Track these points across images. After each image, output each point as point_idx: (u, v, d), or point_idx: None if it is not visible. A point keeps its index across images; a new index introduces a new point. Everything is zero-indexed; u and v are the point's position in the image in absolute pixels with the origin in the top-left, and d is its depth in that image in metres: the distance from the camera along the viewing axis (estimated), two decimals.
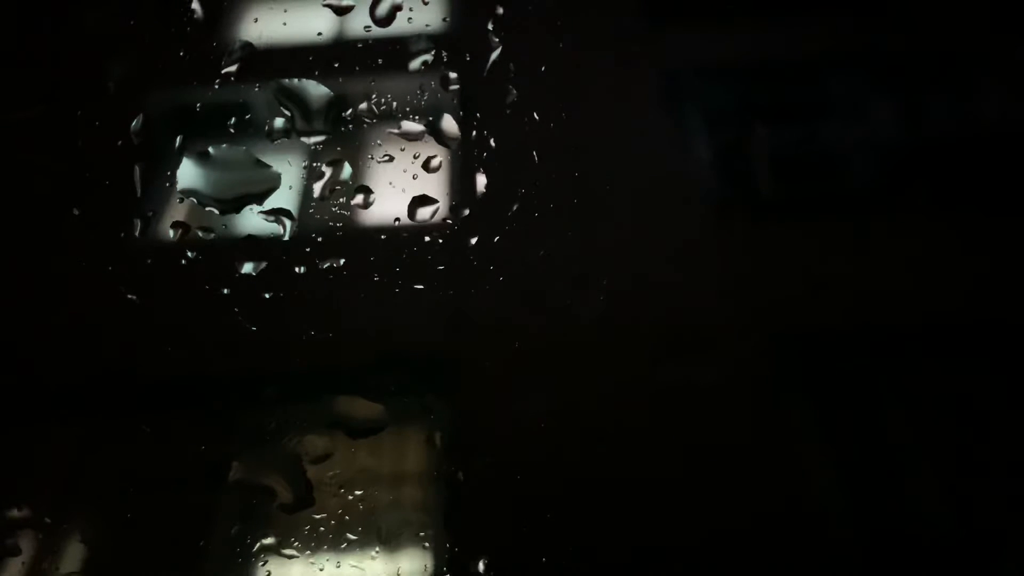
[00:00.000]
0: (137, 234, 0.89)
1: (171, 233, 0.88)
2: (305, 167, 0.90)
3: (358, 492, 0.86)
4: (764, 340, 0.92)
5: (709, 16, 1.03)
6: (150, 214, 0.90)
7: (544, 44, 0.94)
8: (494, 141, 0.91)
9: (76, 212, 0.89)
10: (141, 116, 0.90)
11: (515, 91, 0.91)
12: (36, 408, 0.91)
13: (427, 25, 0.93)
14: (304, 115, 0.91)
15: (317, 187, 0.90)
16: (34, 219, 0.92)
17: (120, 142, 0.90)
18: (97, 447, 0.90)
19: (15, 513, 0.88)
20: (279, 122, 0.91)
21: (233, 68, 0.91)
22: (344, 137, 0.91)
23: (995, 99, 1.00)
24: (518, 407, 0.88)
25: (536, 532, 0.85)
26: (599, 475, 0.86)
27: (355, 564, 0.85)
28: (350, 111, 0.91)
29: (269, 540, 0.85)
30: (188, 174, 0.89)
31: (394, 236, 0.89)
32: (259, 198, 0.89)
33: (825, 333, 0.94)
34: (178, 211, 0.89)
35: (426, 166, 0.90)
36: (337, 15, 0.93)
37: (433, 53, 0.92)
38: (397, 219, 0.89)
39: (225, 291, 0.87)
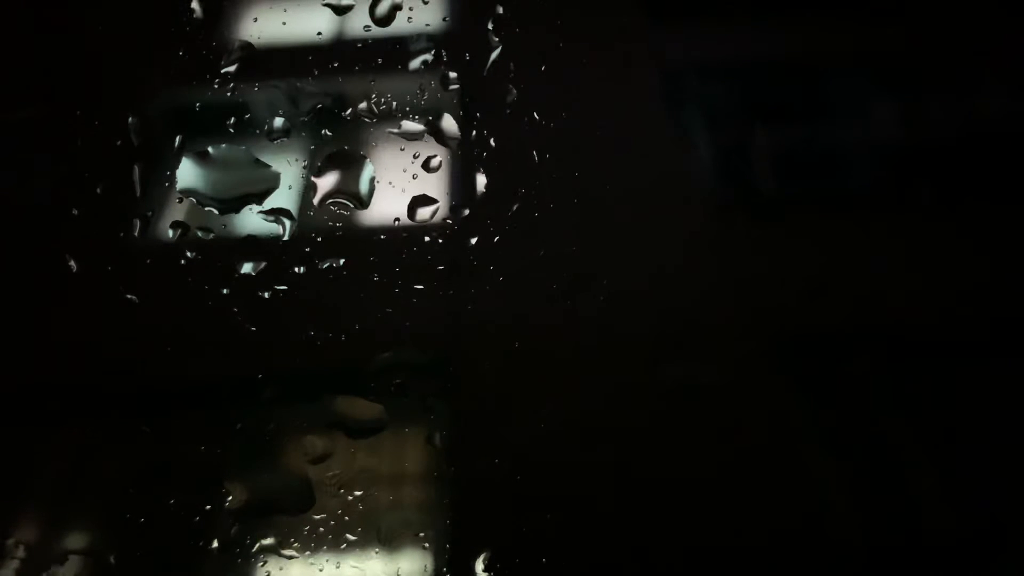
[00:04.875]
0: (137, 234, 0.89)
1: (170, 233, 0.88)
2: (305, 167, 0.90)
3: (358, 492, 0.86)
4: (764, 340, 0.92)
5: (709, 16, 1.03)
6: (149, 214, 0.90)
7: (544, 44, 0.94)
8: (494, 141, 0.91)
9: (76, 212, 0.89)
10: (141, 116, 0.90)
11: (515, 91, 0.91)
12: (36, 408, 0.91)
13: (427, 25, 0.92)
14: (303, 115, 0.91)
15: (317, 187, 0.90)
16: (34, 219, 0.92)
17: (120, 142, 0.90)
18: (97, 447, 0.90)
19: (15, 513, 0.88)
20: (279, 122, 0.91)
21: (233, 68, 0.91)
22: (344, 137, 0.91)
23: (995, 99, 1.00)
24: (518, 408, 0.88)
25: (536, 532, 0.85)
26: (599, 475, 0.86)
27: (355, 564, 0.85)
28: (350, 111, 0.91)
29: (269, 540, 0.85)
30: (188, 174, 0.89)
31: (394, 236, 0.89)
32: (259, 198, 0.89)
33: (825, 333, 0.94)
34: (177, 211, 0.89)
35: (426, 166, 0.90)
36: (337, 15, 0.93)
37: (433, 53, 0.92)
38: (397, 219, 0.89)
39: (225, 291, 0.87)
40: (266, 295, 0.87)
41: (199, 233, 0.89)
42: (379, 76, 0.92)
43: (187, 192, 0.89)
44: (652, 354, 0.90)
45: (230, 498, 0.86)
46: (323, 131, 0.91)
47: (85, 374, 0.91)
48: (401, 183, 0.90)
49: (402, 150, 0.90)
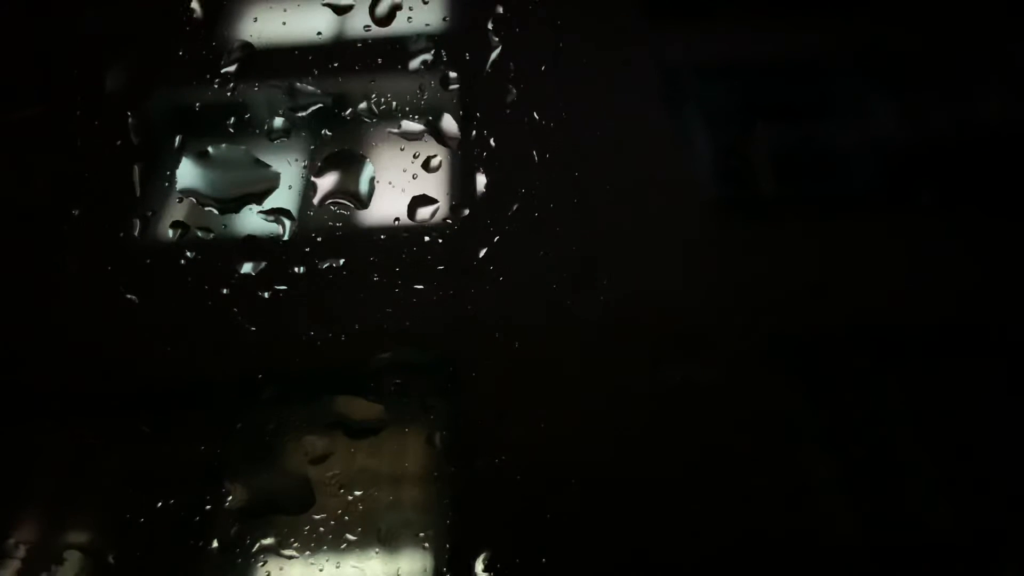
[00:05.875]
0: (137, 234, 0.89)
1: (171, 233, 0.88)
2: (305, 167, 0.90)
3: (358, 492, 0.86)
4: (764, 340, 0.92)
5: (709, 16, 1.03)
6: (150, 214, 0.90)
7: (544, 44, 0.94)
8: (494, 141, 0.91)
9: (76, 212, 0.89)
10: (141, 116, 0.90)
11: (515, 91, 0.91)
12: (36, 408, 0.91)
13: (427, 25, 0.92)
14: (303, 115, 0.91)
15: (317, 187, 0.90)
16: (34, 219, 0.92)
17: (120, 142, 0.90)
18: (97, 447, 0.90)
19: (15, 513, 0.88)
20: (279, 122, 0.91)
21: (232, 68, 0.91)
22: (344, 137, 0.91)
23: (995, 99, 1.00)
24: (518, 408, 0.88)
25: (536, 532, 0.85)
26: (599, 475, 0.86)
27: (355, 564, 0.85)
28: (350, 111, 0.91)
29: (268, 540, 0.85)
30: (188, 174, 0.89)
31: (394, 236, 0.89)
32: (258, 198, 0.89)
33: (825, 333, 0.94)
34: (178, 211, 0.89)
35: (426, 166, 0.90)
36: (337, 14, 0.93)
37: (433, 53, 0.92)
38: (397, 219, 0.89)
39: (225, 291, 0.87)
40: (266, 295, 0.87)
41: (199, 233, 0.89)
42: (379, 76, 0.92)
43: (187, 192, 0.89)
44: (652, 354, 0.90)
45: (230, 498, 0.86)
46: (323, 131, 0.91)
47: (85, 374, 0.91)
48: (401, 183, 0.90)
49: (402, 150, 0.90)
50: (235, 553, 0.84)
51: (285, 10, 0.93)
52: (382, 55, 0.92)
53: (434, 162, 0.90)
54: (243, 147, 0.90)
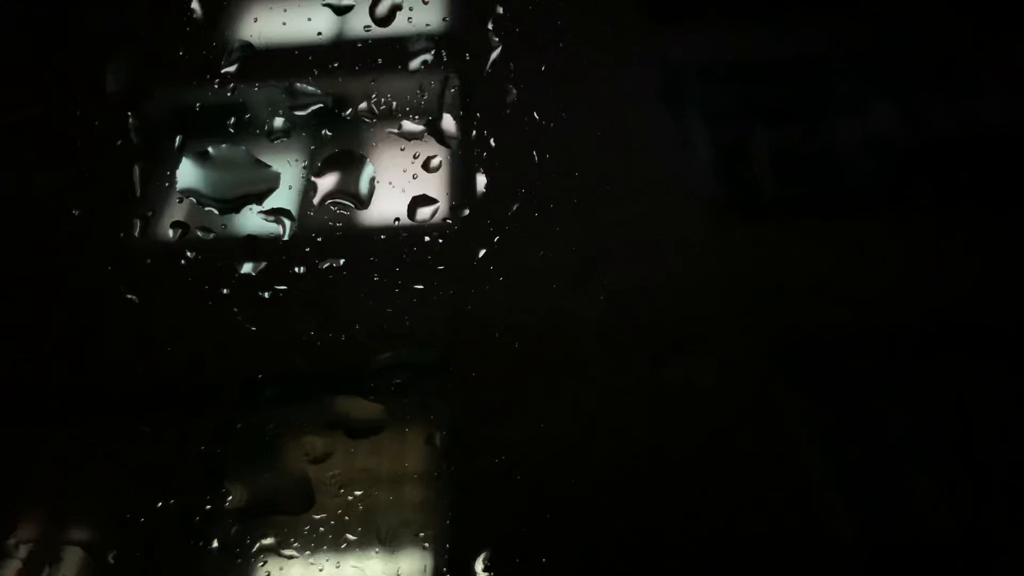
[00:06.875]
0: (137, 234, 0.89)
1: (171, 233, 0.89)
2: (305, 167, 0.90)
3: (358, 492, 0.86)
4: (764, 340, 0.92)
5: (709, 16, 1.03)
6: (150, 214, 0.90)
7: (544, 44, 0.94)
8: (494, 141, 0.91)
9: (76, 212, 0.89)
10: (141, 116, 0.91)
11: (515, 91, 0.91)
12: (36, 408, 0.91)
13: (427, 25, 0.93)
14: (303, 115, 0.91)
15: (317, 187, 0.90)
16: (34, 219, 0.92)
17: (120, 142, 0.90)
18: (97, 447, 0.90)
19: (15, 513, 0.88)
20: (279, 122, 0.91)
21: (233, 68, 0.91)
22: (344, 137, 0.91)
23: (995, 99, 1.00)
24: (518, 408, 0.88)
25: (536, 532, 0.85)
26: (599, 475, 0.86)
27: (355, 564, 0.85)
28: (350, 111, 0.91)
29: (268, 540, 0.85)
30: (188, 174, 0.89)
31: (394, 236, 0.89)
32: (259, 198, 0.89)
33: (825, 333, 0.94)
34: (178, 211, 0.89)
35: (426, 166, 0.90)
36: (337, 15, 0.93)
37: (433, 53, 0.92)
38: (397, 219, 0.89)
39: (225, 291, 0.87)
40: (266, 295, 0.87)
41: (199, 233, 0.89)
42: (379, 76, 0.92)
43: (187, 192, 0.89)
44: (652, 354, 0.90)
45: (230, 498, 0.86)
46: (323, 131, 0.91)
47: (85, 374, 0.91)
48: (401, 183, 0.90)
49: (402, 150, 0.90)
50: (235, 553, 0.84)
51: (285, 10, 0.93)
52: (382, 55, 0.92)
53: (434, 162, 0.90)
54: (243, 147, 0.90)
